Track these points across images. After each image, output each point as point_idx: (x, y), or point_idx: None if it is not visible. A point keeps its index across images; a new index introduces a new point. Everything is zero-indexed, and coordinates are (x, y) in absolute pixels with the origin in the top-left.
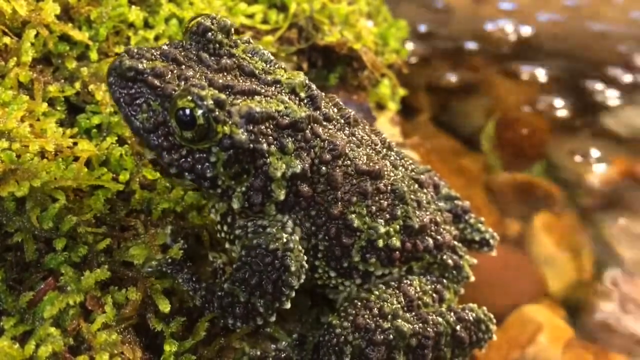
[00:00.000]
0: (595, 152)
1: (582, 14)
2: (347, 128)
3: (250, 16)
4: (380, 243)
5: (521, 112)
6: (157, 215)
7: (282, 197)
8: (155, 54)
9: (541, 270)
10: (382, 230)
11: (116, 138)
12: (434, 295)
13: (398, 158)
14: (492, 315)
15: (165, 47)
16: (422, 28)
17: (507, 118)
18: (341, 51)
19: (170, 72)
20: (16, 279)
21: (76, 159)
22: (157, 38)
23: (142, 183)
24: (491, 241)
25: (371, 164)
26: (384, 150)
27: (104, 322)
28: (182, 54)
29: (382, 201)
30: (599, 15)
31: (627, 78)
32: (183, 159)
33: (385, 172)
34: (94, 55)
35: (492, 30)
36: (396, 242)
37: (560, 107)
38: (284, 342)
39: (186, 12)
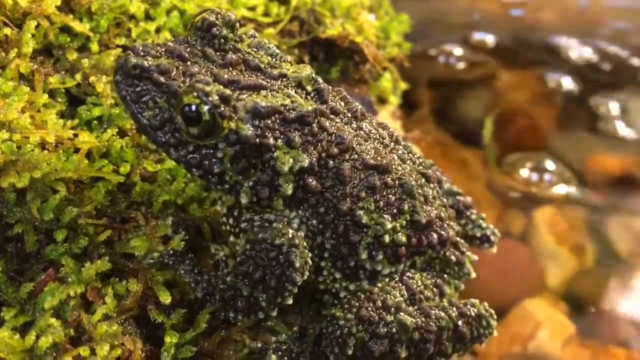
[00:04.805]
0: (596, 148)
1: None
2: (354, 122)
3: (252, 9)
4: (387, 239)
5: (522, 106)
6: (158, 207)
7: (289, 192)
8: (160, 50)
9: (542, 265)
10: (389, 225)
11: (117, 130)
12: (435, 289)
13: (405, 152)
14: (493, 311)
15: (170, 44)
16: (423, 22)
17: (508, 112)
18: (343, 44)
19: (175, 69)
20: (17, 270)
21: (77, 150)
22: (158, 30)
23: (142, 175)
24: (492, 237)
25: (379, 158)
26: (392, 144)
27: (105, 313)
28: (187, 50)
29: (389, 196)
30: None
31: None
32: (190, 156)
33: (393, 166)
34: (94, 47)
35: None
36: (402, 237)
37: (562, 103)
38: (284, 335)
39: (187, 4)
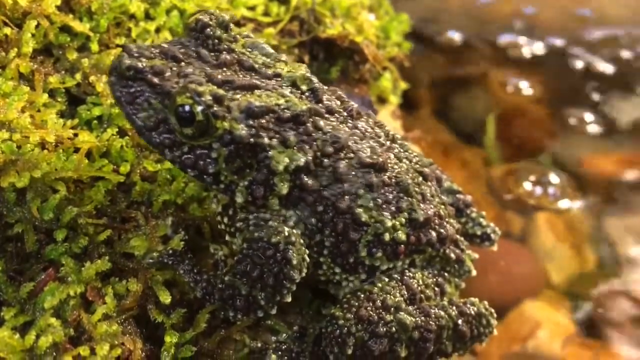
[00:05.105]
0: (598, 146)
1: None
2: (349, 121)
3: (252, 8)
4: (387, 237)
5: (523, 106)
6: (158, 207)
7: (284, 191)
8: (154, 51)
9: (542, 265)
10: (389, 223)
11: (117, 130)
12: (436, 288)
13: (402, 150)
14: (492, 310)
15: (164, 45)
16: (423, 21)
17: (509, 112)
18: (343, 44)
19: (169, 70)
20: (17, 269)
21: (77, 150)
22: (158, 30)
23: (142, 175)
24: (492, 236)
25: (375, 157)
26: (388, 142)
27: (105, 312)
28: (181, 51)
29: (387, 194)
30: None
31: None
32: (185, 156)
33: (390, 165)
34: (94, 47)
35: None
36: (402, 235)
37: (564, 101)
38: (284, 334)
39: (187, 3)
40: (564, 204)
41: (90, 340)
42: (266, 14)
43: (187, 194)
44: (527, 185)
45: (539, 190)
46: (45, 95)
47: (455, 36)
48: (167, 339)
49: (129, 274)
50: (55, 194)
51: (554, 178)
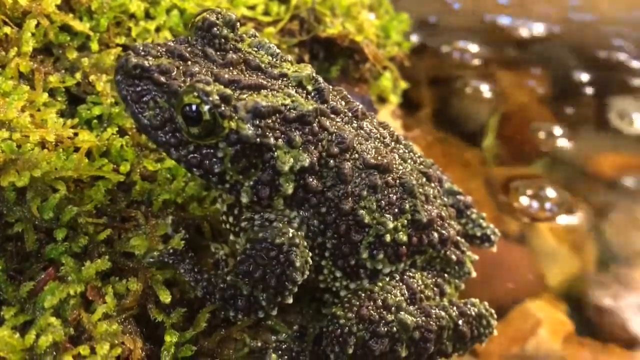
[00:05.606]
0: (598, 147)
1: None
2: (354, 121)
3: (252, 7)
4: (388, 238)
5: (524, 107)
6: (158, 206)
7: (290, 191)
8: (161, 50)
9: (542, 265)
10: (391, 225)
11: (117, 129)
12: (435, 289)
13: (406, 151)
14: (493, 311)
15: (171, 44)
16: (424, 20)
17: (510, 112)
18: (343, 43)
19: (176, 69)
20: (17, 269)
21: (77, 149)
22: (158, 29)
23: (142, 174)
24: (492, 237)
25: (380, 158)
26: (392, 143)
27: (105, 312)
28: (188, 49)
29: (390, 195)
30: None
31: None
32: (191, 155)
33: (394, 166)
34: (94, 46)
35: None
36: (403, 236)
37: (564, 102)
38: (284, 334)
39: (187, 3)
40: (561, 219)
41: (90, 339)
42: (266, 13)
43: (187, 193)
44: (524, 200)
45: (535, 204)
46: (45, 95)
47: (454, 35)
48: (167, 338)
49: (129, 273)
50: (55, 193)
51: (550, 192)
